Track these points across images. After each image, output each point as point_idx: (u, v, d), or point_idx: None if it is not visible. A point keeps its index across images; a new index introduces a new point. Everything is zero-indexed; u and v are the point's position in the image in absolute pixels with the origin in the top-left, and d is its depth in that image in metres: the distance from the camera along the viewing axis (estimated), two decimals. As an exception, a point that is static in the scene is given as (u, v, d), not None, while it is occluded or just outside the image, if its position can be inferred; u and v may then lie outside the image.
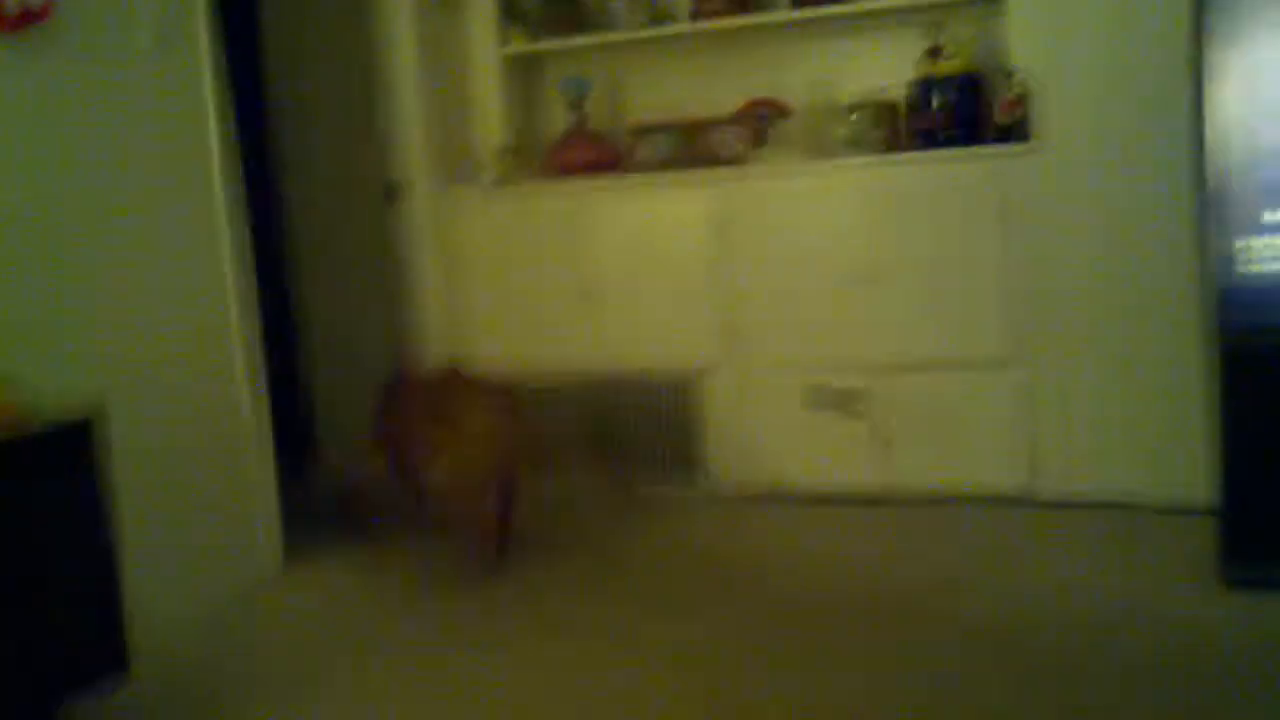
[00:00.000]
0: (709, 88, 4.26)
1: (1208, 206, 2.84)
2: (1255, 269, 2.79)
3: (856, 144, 3.82)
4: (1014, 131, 3.60)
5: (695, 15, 4.08)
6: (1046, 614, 2.86)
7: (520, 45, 4.30)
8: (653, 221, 3.97)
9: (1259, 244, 2.79)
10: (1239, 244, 2.79)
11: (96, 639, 2.49)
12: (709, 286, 3.90)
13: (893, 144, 3.83)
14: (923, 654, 2.67)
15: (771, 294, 3.84)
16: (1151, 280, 3.45)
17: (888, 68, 3.96)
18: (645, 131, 4.24)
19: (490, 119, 4.35)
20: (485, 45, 4.33)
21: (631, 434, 4.03)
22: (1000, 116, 3.64)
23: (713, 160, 4.03)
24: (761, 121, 4.06)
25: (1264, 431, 2.83)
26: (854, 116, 3.85)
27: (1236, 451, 2.84)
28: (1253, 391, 2.82)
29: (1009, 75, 3.64)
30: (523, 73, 4.44)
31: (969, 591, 3.04)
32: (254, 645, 2.92)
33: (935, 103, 3.73)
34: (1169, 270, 3.39)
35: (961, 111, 3.71)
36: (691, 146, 4.15)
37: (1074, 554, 3.26)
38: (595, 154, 4.16)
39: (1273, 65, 2.79)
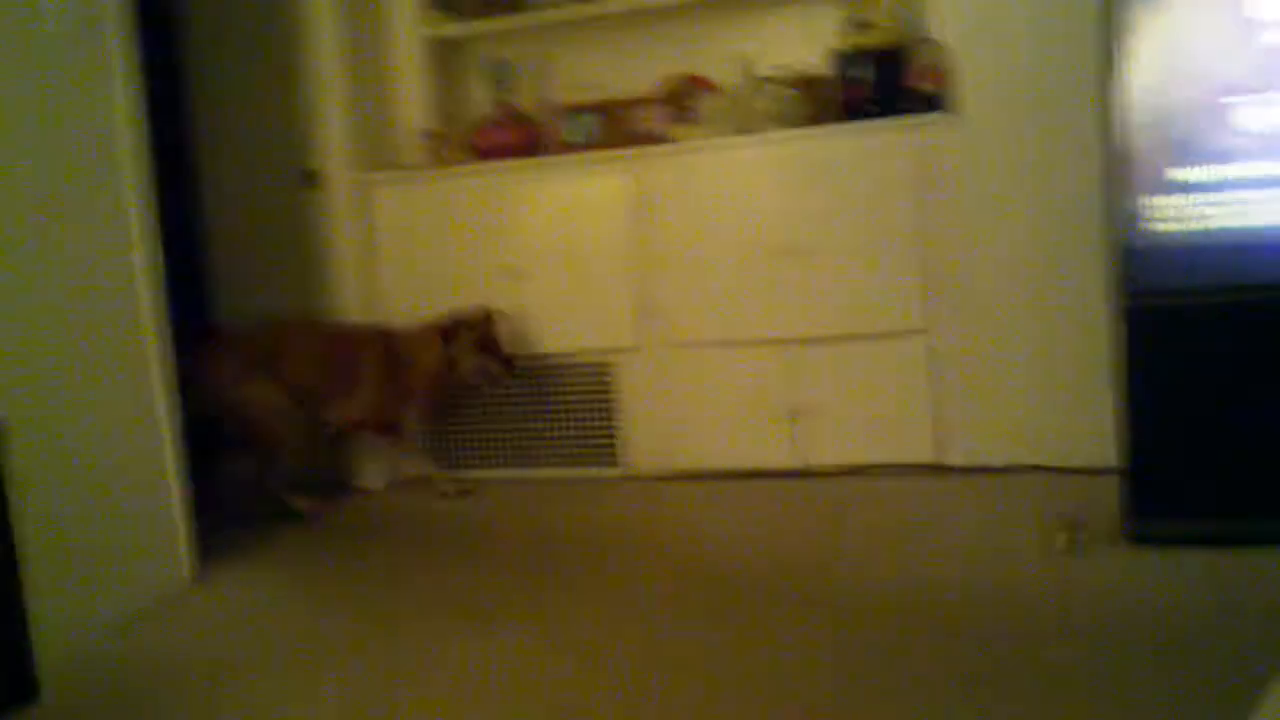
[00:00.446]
0: (633, 66, 4.20)
1: (1113, 166, 2.82)
2: (1159, 228, 2.77)
3: (780, 117, 3.77)
4: (933, 101, 3.57)
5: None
6: (951, 578, 2.83)
7: (443, 27, 4.24)
8: (575, 202, 3.91)
9: (1163, 203, 2.77)
10: (1143, 203, 2.77)
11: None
12: (631, 265, 3.84)
13: (815, 116, 3.78)
14: (829, 623, 2.63)
15: (692, 271, 3.79)
16: (1065, 244, 3.43)
17: (810, 40, 3.92)
18: (569, 112, 4.19)
19: (413, 102, 4.28)
20: (407, 27, 4.27)
21: (553, 414, 3.99)
22: (919, 87, 3.60)
23: (636, 139, 3.98)
24: (685, 98, 4.01)
25: (1165, 390, 2.81)
26: (775, 90, 3.80)
27: (1138, 410, 2.83)
28: (1154, 350, 2.80)
29: (927, 45, 3.61)
30: (446, 55, 4.37)
31: (875, 559, 3.02)
32: (168, 661, 2.76)
33: (857, 74, 3.68)
34: (1082, 234, 3.36)
35: (882, 82, 3.66)
36: (615, 125, 4.10)
37: (982, 518, 3.24)
38: (518, 136, 4.09)
39: (1179, 24, 2.77)
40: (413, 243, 4.09)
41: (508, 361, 3.86)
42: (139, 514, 3.09)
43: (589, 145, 4.05)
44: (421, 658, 2.63)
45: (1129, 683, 2.23)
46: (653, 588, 2.97)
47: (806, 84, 3.82)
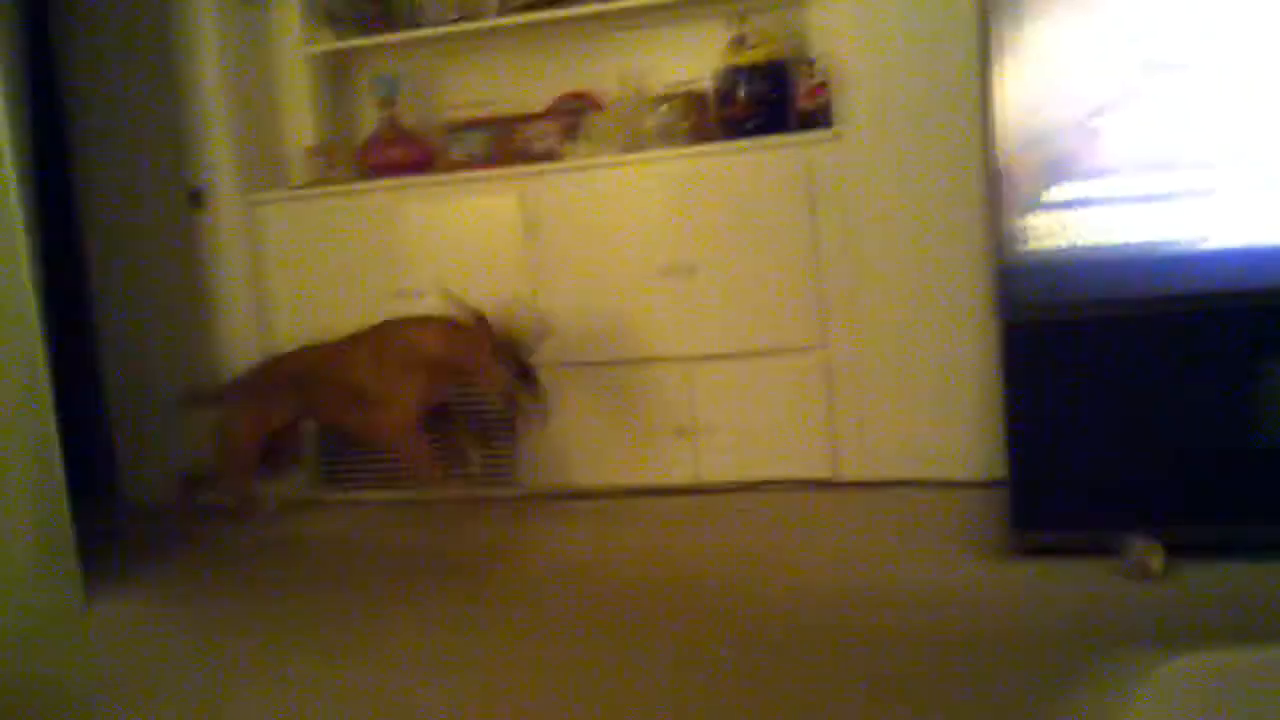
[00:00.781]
0: (521, 83, 4.20)
1: (990, 185, 2.89)
2: (1033, 245, 2.85)
3: (666, 135, 3.80)
4: (817, 118, 3.63)
5: (504, 9, 4.03)
6: (836, 590, 2.88)
7: (329, 43, 4.19)
8: (465, 220, 3.89)
9: (1038, 221, 2.85)
10: (1018, 220, 2.85)
11: None
12: (525, 284, 3.83)
13: (702, 134, 3.82)
14: (710, 635, 2.66)
15: (586, 289, 3.80)
16: (954, 260, 3.49)
17: (696, 58, 3.95)
18: (458, 128, 4.18)
19: (299, 119, 4.23)
20: (293, 44, 4.21)
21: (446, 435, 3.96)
22: (803, 103, 3.66)
23: (525, 156, 3.98)
24: (573, 115, 4.03)
25: (1044, 404, 2.90)
26: (663, 108, 3.83)
27: (1019, 424, 2.91)
28: (1034, 366, 2.89)
29: (811, 62, 3.67)
30: (332, 71, 4.32)
31: (760, 572, 3.06)
32: (45, 686, 2.69)
33: (741, 92, 3.73)
34: (970, 250, 3.43)
35: (767, 100, 3.71)
36: (504, 142, 4.09)
37: (871, 531, 3.30)
38: (407, 153, 4.06)
39: (1054, 44, 2.85)
40: (302, 264, 4.03)
41: (530, 375, 3.52)
42: (24, 539, 3.00)
43: (479, 163, 4.04)
44: (300, 684, 2.60)
45: (968, 688, 2.29)
46: (542, 607, 2.97)
47: (694, 101, 3.86)
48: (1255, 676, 1.76)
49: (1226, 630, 2.48)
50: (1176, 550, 2.78)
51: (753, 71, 3.72)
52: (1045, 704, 2.20)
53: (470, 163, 4.05)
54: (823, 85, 3.62)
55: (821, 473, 3.69)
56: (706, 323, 3.71)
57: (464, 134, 4.14)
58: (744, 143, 3.67)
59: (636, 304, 3.76)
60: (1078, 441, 2.91)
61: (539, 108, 4.13)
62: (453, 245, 3.89)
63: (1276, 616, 2.56)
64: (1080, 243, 2.85)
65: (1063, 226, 2.86)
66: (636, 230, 3.75)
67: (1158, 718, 1.62)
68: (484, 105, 4.22)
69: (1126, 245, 2.84)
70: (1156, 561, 2.76)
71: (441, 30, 4.07)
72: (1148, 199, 2.83)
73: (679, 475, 3.79)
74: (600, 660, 2.59)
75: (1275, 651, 2.12)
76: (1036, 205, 2.86)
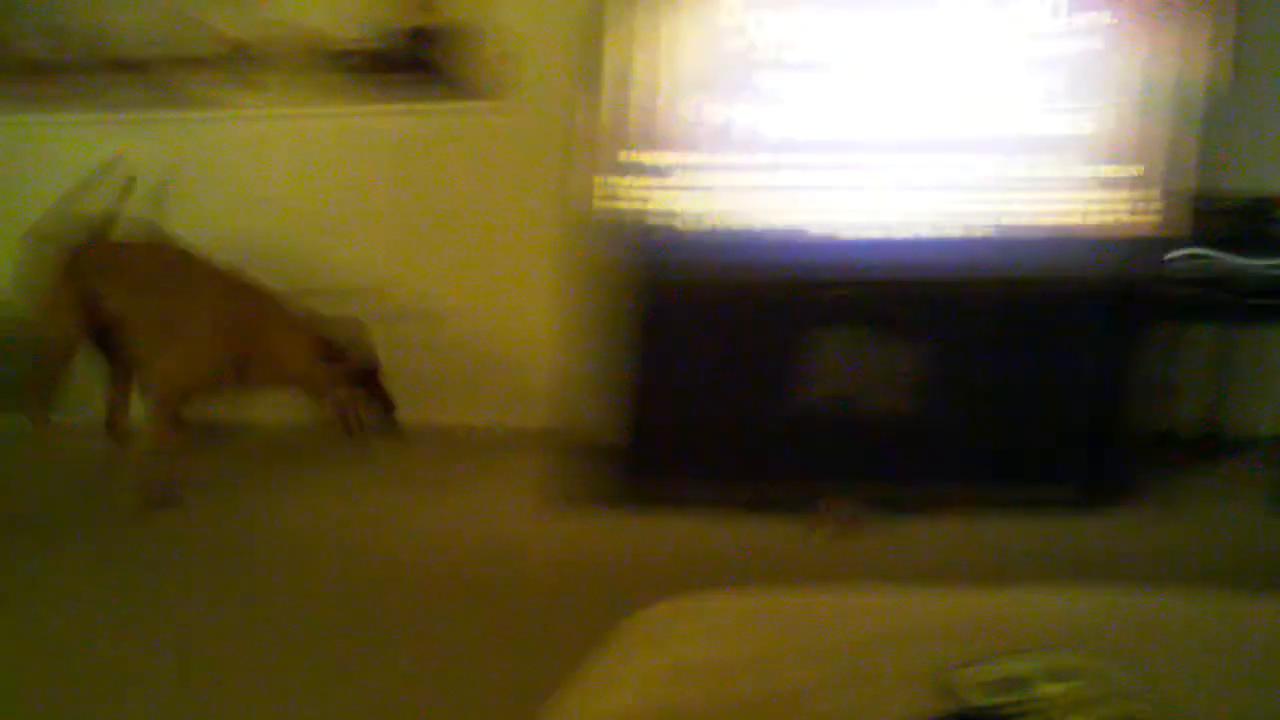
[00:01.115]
0: (178, 23, 4.04)
1: (576, 146, 3.00)
2: (610, 205, 2.95)
3: (323, 89, 3.77)
4: (471, 83, 3.69)
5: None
6: (415, 540, 2.90)
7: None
8: (104, 160, 3.73)
9: (616, 183, 2.95)
10: (599, 182, 2.95)
11: None
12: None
13: (356, 91, 3.80)
14: (255, 584, 2.67)
15: (223, 241, 3.63)
16: (537, 217, 3.60)
17: (358, 12, 3.91)
18: (103, 65, 3.98)
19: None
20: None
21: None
22: (463, 67, 3.70)
23: (176, 99, 3.87)
24: (230, 62, 3.93)
25: (651, 362, 3.02)
26: (322, 61, 3.80)
27: (626, 379, 3.02)
28: (615, 322, 2.98)
29: (472, 28, 3.70)
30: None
31: (327, 521, 3.07)
32: None
33: (402, 51, 3.75)
34: (551, 209, 3.47)
35: (426, 61, 3.74)
36: (154, 84, 3.94)
37: (460, 480, 3.34)
38: (43, 84, 3.87)
39: (661, 22, 2.95)
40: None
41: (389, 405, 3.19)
42: None
43: (121, 101, 3.88)
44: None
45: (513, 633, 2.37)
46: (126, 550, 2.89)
47: (351, 57, 3.83)
48: (768, 613, 1.85)
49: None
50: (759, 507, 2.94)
51: (415, 33, 3.74)
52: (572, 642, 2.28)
53: (113, 101, 3.88)
54: (477, 50, 3.66)
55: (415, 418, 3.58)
56: (323, 272, 3.71)
57: (107, 70, 3.94)
58: (397, 104, 3.72)
59: (282, 252, 3.72)
60: (683, 398, 3.01)
61: (195, 51, 3.98)
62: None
63: (873, 562, 2.73)
64: (669, 209, 2.97)
65: (649, 193, 2.96)
66: (282, 182, 3.76)
67: (661, 649, 1.69)
68: (136, 42, 4.02)
69: (733, 220, 2.97)
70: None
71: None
72: (749, 182, 2.96)
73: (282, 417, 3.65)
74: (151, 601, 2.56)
75: (797, 593, 2.24)
76: (614, 167, 2.95)
